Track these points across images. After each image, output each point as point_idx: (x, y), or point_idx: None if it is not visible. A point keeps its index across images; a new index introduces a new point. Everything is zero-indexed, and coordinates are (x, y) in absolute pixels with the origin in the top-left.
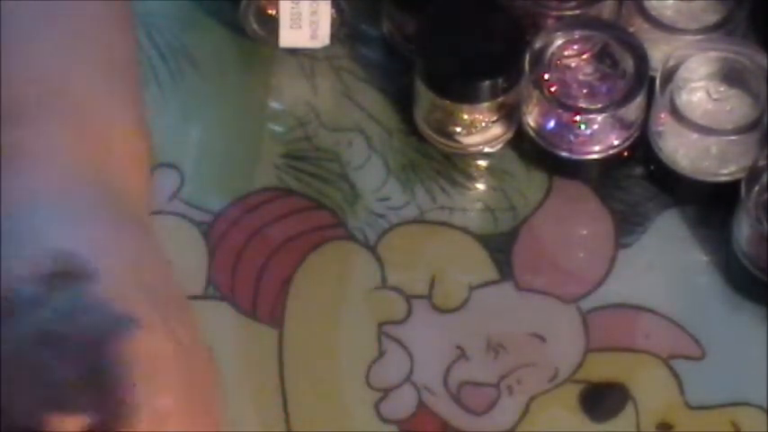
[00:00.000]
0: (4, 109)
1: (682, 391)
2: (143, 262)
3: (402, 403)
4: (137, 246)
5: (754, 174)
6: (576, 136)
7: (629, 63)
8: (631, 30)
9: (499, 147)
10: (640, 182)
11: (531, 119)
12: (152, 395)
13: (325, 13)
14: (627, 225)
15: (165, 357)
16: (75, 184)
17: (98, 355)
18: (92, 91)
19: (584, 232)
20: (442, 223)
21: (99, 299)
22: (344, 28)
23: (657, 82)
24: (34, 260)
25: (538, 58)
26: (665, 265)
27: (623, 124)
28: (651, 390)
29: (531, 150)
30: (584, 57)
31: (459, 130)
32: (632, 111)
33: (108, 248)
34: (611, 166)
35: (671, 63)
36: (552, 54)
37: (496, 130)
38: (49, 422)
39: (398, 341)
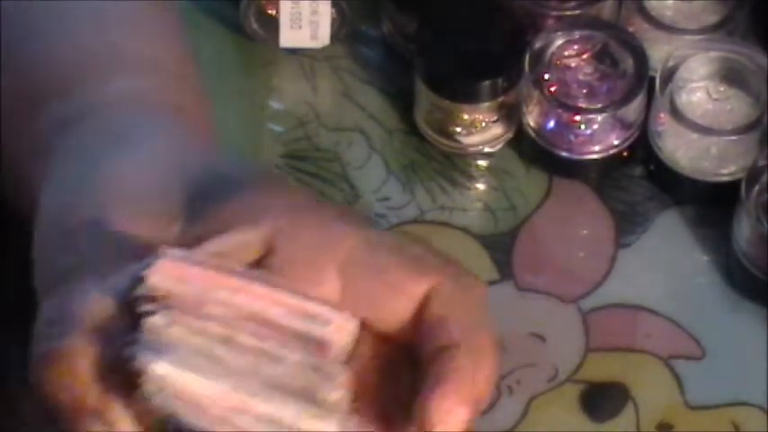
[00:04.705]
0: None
1: (682, 391)
2: None
3: None
4: None
5: (754, 174)
6: (576, 136)
7: (629, 63)
8: (631, 30)
9: (499, 147)
10: (640, 182)
11: (531, 119)
12: None
13: (326, 13)
14: (627, 225)
15: None
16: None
17: None
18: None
19: (585, 232)
20: (442, 223)
21: None
22: (344, 28)
23: (657, 82)
24: None
25: (538, 58)
26: (665, 265)
27: (623, 124)
28: (651, 390)
29: (531, 150)
30: (584, 57)
31: (459, 130)
32: (632, 111)
33: None
34: (611, 166)
35: (671, 63)
36: (552, 54)
37: (496, 130)
38: None
39: None
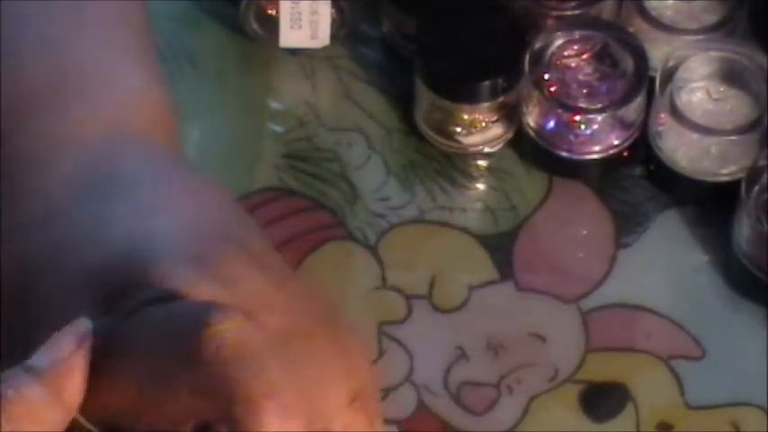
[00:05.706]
0: (22, 104)
1: (682, 391)
2: (199, 208)
3: (402, 403)
4: (191, 197)
5: (754, 174)
6: (576, 136)
7: (629, 63)
8: (631, 30)
9: (499, 147)
10: (640, 182)
11: (531, 119)
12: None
13: (325, 13)
14: (627, 225)
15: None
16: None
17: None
18: (104, 58)
19: (585, 232)
20: (442, 223)
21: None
22: (344, 28)
23: (657, 82)
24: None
25: (538, 58)
26: (665, 265)
27: (623, 124)
28: (651, 390)
29: (531, 150)
30: (584, 57)
31: (459, 130)
32: (632, 111)
33: (165, 206)
34: (611, 166)
35: (671, 63)
36: (552, 54)
37: (496, 130)
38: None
39: (398, 341)
